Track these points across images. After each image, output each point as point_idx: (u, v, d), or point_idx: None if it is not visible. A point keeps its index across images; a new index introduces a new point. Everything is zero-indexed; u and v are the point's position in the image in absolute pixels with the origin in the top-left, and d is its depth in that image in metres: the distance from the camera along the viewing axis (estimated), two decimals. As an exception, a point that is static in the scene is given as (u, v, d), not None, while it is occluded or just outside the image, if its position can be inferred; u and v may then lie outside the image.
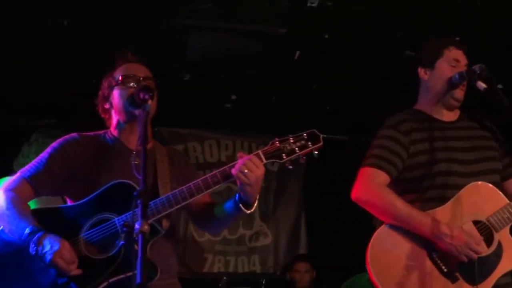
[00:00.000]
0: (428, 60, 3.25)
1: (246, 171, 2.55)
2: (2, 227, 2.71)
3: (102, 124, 3.04)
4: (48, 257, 2.51)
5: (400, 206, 3.00)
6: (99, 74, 3.04)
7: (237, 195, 2.69)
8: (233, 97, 6.34)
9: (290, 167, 2.69)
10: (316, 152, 2.66)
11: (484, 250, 2.96)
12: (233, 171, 2.59)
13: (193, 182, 2.65)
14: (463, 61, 3.20)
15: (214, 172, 2.67)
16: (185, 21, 4.80)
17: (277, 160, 2.65)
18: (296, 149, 2.65)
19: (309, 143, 2.66)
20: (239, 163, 2.60)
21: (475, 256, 2.88)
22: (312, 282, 6.38)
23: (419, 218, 2.96)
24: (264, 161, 2.62)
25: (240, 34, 5.03)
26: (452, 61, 3.18)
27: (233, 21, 4.85)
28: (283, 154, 2.64)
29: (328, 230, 7.00)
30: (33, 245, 2.54)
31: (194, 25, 4.88)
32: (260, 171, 2.58)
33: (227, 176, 2.63)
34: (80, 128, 3.18)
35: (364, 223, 3.27)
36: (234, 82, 5.99)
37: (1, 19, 4.61)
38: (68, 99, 5.83)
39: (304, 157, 2.67)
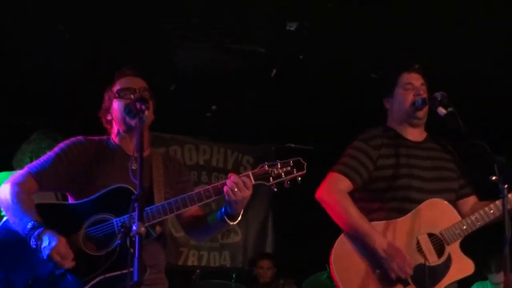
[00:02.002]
0: (387, 90, 3.29)
1: (236, 189, 2.57)
2: (7, 217, 2.68)
3: (97, 128, 3.00)
4: (46, 251, 2.49)
5: (353, 214, 3.02)
6: (95, 82, 3.03)
7: (223, 208, 2.69)
8: (213, 107, 6.33)
9: (275, 189, 2.69)
10: (299, 178, 2.68)
11: (434, 261, 2.99)
12: (225, 188, 2.59)
13: (188, 194, 2.64)
14: (417, 81, 3.21)
15: (207, 187, 2.66)
16: (174, 36, 4.79)
17: (265, 182, 2.66)
18: (283, 174, 2.66)
19: (294, 169, 2.67)
20: (231, 180, 2.60)
21: (403, 276, 2.90)
22: (273, 277, 6.36)
23: (366, 230, 2.98)
24: (253, 182, 2.63)
25: (223, 51, 5.02)
26: (406, 86, 3.20)
27: (218, 39, 4.85)
28: (270, 177, 2.65)
29: (292, 231, 7.04)
30: (33, 240, 2.51)
31: (182, 41, 4.88)
32: (248, 191, 2.60)
33: (219, 192, 2.63)
34: (75, 130, 3.15)
35: (325, 227, 3.27)
36: (215, 93, 5.99)
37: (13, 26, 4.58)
38: (65, 103, 5.78)
39: (289, 182, 2.68)
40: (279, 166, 2.66)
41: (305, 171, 2.68)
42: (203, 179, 7.20)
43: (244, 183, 2.59)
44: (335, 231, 3.14)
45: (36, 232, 2.52)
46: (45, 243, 2.50)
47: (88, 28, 4.65)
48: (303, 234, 6.81)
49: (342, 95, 5.73)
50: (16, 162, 4.42)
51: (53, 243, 2.49)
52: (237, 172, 2.74)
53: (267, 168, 2.66)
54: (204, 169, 7.21)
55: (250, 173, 2.64)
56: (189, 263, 7.01)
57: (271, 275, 6.33)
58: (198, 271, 6.13)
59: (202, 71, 5.40)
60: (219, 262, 7.17)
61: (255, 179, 2.64)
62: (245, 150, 7.32)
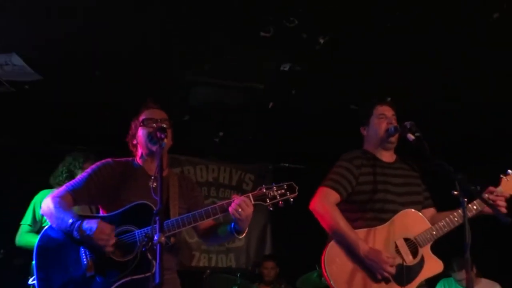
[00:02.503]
0: (364, 120, 3.29)
1: (240, 210, 2.58)
2: (50, 223, 2.67)
3: (123, 151, 3.01)
4: (90, 238, 2.48)
5: (342, 224, 2.99)
6: (121, 113, 3.03)
7: (232, 224, 2.69)
8: (220, 133, 6.31)
9: (271, 209, 2.70)
10: (292, 200, 2.68)
11: (410, 261, 2.97)
12: (230, 209, 2.61)
13: (198, 211, 2.64)
14: (389, 112, 3.23)
15: (214, 206, 2.66)
16: (188, 76, 4.81)
17: (262, 202, 2.66)
18: (277, 196, 2.67)
19: (288, 192, 2.68)
20: (235, 202, 2.60)
21: (386, 275, 2.89)
22: (276, 276, 6.29)
23: (353, 239, 2.96)
24: (253, 202, 2.63)
25: (228, 87, 5.03)
26: (380, 115, 3.22)
27: (224, 78, 4.86)
28: (267, 199, 2.66)
29: (287, 238, 6.97)
30: (76, 232, 2.52)
31: (195, 80, 4.89)
32: (250, 210, 2.61)
33: (224, 210, 2.64)
34: (104, 154, 3.15)
35: (316, 234, 3.25)
36: (222, 123, 5.98)
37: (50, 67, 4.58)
38: (95, 131, 5.78)
39: (282, 202, 2.68)
40: (274, 189, 2.67)
41: (296, 194, 2.69)
42: (212, 193, 7.15)
43: (245, 202, 2.59)
44: (323, 237, 3.12)
45: (76, 225, 2.52)
46: (87, 231, 2.49)
47: (118, 70, 4.67)
48: (296, 240, 6.75)
49: (327, 123, 5.71)
50: (53, 179, 4.42)
51: (94, 228, 2.48)
52: (240, 187, 2.75)
53: (264, 191, 2.67)
54: (213, 185, 7.17)
55: (250, 195, 2.65)
56: (201, 264, 6.93)
57: (274, 275, 6.26)
58: (208, 271, 6.03)
59: (211, 105, 5.38)
60: (226, 263, 7.09)
61: (255, 200, 2.64)
62: (247, 169, 7.28)
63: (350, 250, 2.96)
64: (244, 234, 2.71)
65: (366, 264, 2.92)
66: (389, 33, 3.97)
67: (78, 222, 2.52)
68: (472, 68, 4.51)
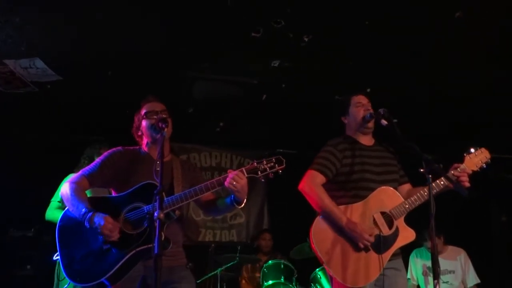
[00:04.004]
0: (344, 109, 3.30)
1: (234, 182, 2.58)
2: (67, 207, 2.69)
3: (131, 140, 3.01)
4: (97, 229, 2.51)
5: (326, 202, 3.00)
6: (132, 106, 3.02)
7: (231, 196, 2.69)
8: (221, 124, 6.30)
9: (263, 180, 2.70)
10: (280, 171, 2.67)
11: (386, 232, 2.98)
12: (226, 183, 2.60)
13: (198, 186, 2.64)
14: (364, 100, 3.24)
15: (212, 180, 2.66)
16: (191, 73, 4.81)
17: (254, 175, 2.65)
18: (267, 168, 2.64)
19: (276, 165, 2.66)
20: (229, 176, 2.61)
21: (367, 244, 2.90)
22: (272, 247, 6.35)
23: (336, 213, 2.97)
24: (246, 175, 2.63)
25: (227, 82, 5.02)
26: (356, 104, 3.23)
27: (223, 74, 4.85)
28: (259, 171, 2.64)
29: (282, 214, 6.99)
30: (87, 222, 2.53)
31: (197, 76, 4.88)
32: (243, 181, 2.60)
33: (221, 184, 2.64)
34: (119, 143, 3.14)
35: (307, 211, 3.24)
36: (222, 114, 5.97)
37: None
38: (112, 122, 5.78)
39: (272, 174, 2.66)
40: (264, 163, 2.65)
41: (284, 166, 2.67)
42: (215, 177, 7.07)
43: (238, 176, 2.59)
44: (312, 213, 3.13)
45: (88, 215, 2.53)
46: (96, 223, 2.51)
47: (128, 70, 4.66)
48: (290, 216, 6.76)
49: (315, 113, 5.69)
50: (77, 169, 4.42)
51: (102, 222, 2.50)
52: (239, 171, 2.69)
53: (256, 165, 2.65)
54: (215, 170, 7.17)
55: (243, 169, 2.64)
56: (206, 239, 6.95)
57: (270, 245, 6.34)
58: (213, 245, 6.11)
59: (212, 98, 5.38)
60: (228, 238, 7.11)
61: (248, 173, 2.63)
62: (246, 155, 7.28)
63: (334, 224, 2.98)
64: (243, 205, 2.70)
65: (348, 235, 2.93)
66: (370, 31, 3.97)
67: (90, 214, 2.53)
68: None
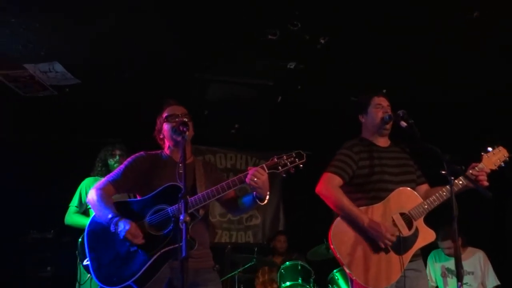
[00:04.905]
0: (362, 109, 3.28)
1: (255, 179, 2.57)
2: (94, 213, 2.74)
3: (151, 143, 3.04)
4: (122, 233, 2.55)
5: (346, 203, 3.00)
6: (150, 110, 3.04)
7: (254, 193, 2.68)
8: (236, 125, 6.34)
9: (284, 175, 2.66)
10: (301, 166, 2.64)
11: (406, 233, 2.98)
12: (247, 179, 2.60)
13: (220, 184, 2.65)
14: (385, 103, 3.22)
15: (233, 178, 2.66)
16: (207, 76, 4.85)
17: (275, 171, 2.62)
18: (288, 163, 2.61)
19: (297, 159, 2.63)
20: (250, 173, 2.60)
21: (389, 244, 2.89)
22: (287, 249, 6.36)
23: (357, 214, 2.96)
24: (267, 171, 2.61)
25: (242, 85, 5.05)
26: (377, 105, 3.21)
27: (238, 76, 4.88)
28: (279, 167, 2.61)
29: (298, 215, 7.01)
30: (113, 226, 2.57)
31: (212, 79, 4.92)
32: (264, 177, 2.58)
33: (242, 181, 2.63)
34: (136, 146, 3.18)
35: (323, 212, 3.25)
36: (237, 116, 6.01)
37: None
38: (129, 125, 5.86)
39: (293, 169, 2.64)
40: (285, 158, 2.63)
41: (304, 159, 2.64)
42: (231, 178, 7.14)
43: (259, 171, 2.59)
44: (329, 215, 3.14)
45: (114, 220, 2.57)
46: (120, 227, 2.55)
47: (144, 72, 4.72)
48: (306, 217, 6.78)
49: (330, 114, 5.70)
50: (93, 172, 4.48)
51: (127, 227, 2.54)
52: (255, 172, 2.67)
53: (276, 160, 2.64)
54: (231, 171, 7.18)
55: (264, 165, 2.63)
56: (222, 240, 6.99)
57: (285, 247, 6.34)
58: (229, 246, 6.09)
59: (228, 100, 5.41)
60: (245, 239, 7.14)
61: (268, 169, 2.62)
62: (260, 156, 7.29)
63: (354, 224, 2.97)
64: (266, 201, 2.67)
65: (369, 235, 2.92)
66: (383, 34, 3.97)
67: (116, 219, 2.57)
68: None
